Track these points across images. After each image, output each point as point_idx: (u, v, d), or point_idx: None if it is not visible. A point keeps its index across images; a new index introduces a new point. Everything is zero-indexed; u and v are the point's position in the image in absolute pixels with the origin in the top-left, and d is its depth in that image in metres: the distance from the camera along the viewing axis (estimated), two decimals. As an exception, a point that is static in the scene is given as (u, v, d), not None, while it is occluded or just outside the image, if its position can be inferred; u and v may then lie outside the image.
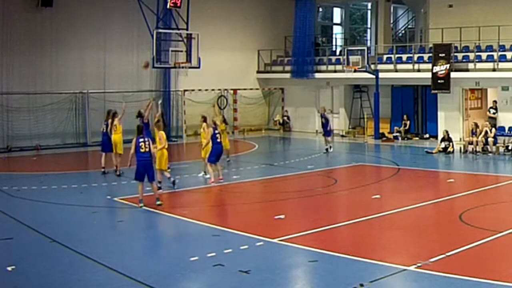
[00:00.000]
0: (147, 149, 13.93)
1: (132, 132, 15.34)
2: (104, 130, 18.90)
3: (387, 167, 20.67)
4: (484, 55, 25.36)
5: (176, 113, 30.13)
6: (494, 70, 24.70)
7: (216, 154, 16.87)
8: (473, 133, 23.60)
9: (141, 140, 13.94)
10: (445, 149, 23.34)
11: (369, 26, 38.89)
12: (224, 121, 20.62)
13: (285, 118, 32.96)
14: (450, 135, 23.76)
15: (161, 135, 15.58)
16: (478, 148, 23.08)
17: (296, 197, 16.01)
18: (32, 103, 25.68)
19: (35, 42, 25.56)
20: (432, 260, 9.54)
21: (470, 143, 23.43)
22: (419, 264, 9.35)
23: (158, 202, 14.05)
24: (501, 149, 23.05)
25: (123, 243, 11.40)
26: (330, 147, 23.95)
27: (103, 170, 18.69)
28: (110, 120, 18.65)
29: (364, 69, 27.66)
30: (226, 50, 31.62)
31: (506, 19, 25.08)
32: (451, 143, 23.45)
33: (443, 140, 23.67)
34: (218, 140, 16.89)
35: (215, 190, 16.52)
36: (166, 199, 15.34)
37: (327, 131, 23.76)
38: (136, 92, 28.32)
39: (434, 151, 23.40)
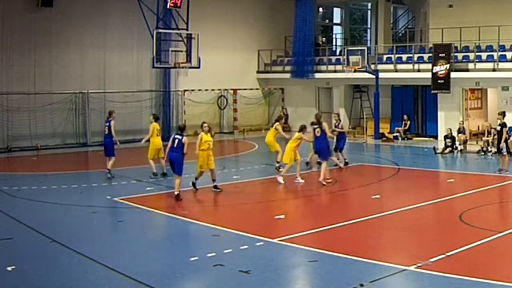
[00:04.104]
0: (177, 145, 15.15)
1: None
2: (106, 132, 17.90)
3: (387, 167, 20.67)
4: (484, 55, 25.36)
5: (176, 113, 30.10)
6: (494, 70, 24.70)
7: None
8: (489, 132, 23.11)
9: (176, 137, 15.32)
10: (450, 147, 23.20)
11: (369, 26, 38.92)
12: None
13: (284, 114, 32.74)
14: (453, 134, 23.65)
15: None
16: (493, 149, 22.50)
17: (296, 197, 16.03)
18: (32, 103, 25.66)
19: (35, 42, 25.52)
20: (432, 260, 9.54)
21: (488, 143, 22.86)
22: (419, 264, 9.35)
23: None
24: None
25: (123, 243, 11.38)
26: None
27: (108, 173, 17.84)
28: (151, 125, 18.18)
29: (364, 69, 27.66)
30: (226, 50, 31.62)
31: (506, 19, 25.09)
32: (453, 142, 23.34)
33: (446, 137, 23.52)
34: None
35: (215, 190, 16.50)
36: (166, 199, 15.37)
37: None
38: (136, 92, 28.39)
39: (439, 151, 23.28)
